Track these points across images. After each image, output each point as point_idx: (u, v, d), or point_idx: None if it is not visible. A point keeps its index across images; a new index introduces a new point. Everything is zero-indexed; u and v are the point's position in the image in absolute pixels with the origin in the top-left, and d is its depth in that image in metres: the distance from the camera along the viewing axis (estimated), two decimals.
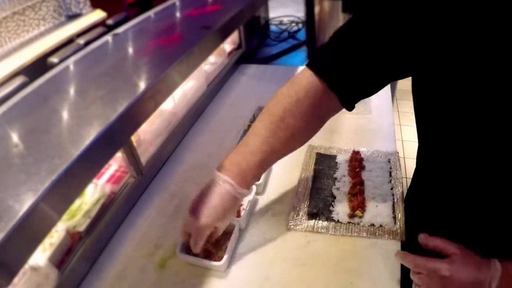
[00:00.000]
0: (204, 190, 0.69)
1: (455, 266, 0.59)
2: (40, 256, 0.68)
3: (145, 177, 0.97)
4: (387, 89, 1.32)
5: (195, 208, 0.67)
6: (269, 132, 0.64)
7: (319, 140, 1.09)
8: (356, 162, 0.96)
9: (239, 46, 1.61)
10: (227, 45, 1.56)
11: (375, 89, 0.63)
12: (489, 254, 0.61)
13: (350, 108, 0.64)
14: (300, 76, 0.65)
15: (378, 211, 0.83)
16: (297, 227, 0.82)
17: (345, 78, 0.61)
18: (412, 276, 0.64)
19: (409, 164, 2.49)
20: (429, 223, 0.80)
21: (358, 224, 0.82)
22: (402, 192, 0.89)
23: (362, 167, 0.95)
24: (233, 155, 0.68)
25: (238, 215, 0.85)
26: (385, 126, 1.13)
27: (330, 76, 0.61)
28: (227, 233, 0.81)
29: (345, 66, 0.60)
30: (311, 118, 0.65)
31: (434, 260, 0.61)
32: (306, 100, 0.63)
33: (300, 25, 1.99)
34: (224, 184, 0.66)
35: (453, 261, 0.60)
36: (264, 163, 0.66)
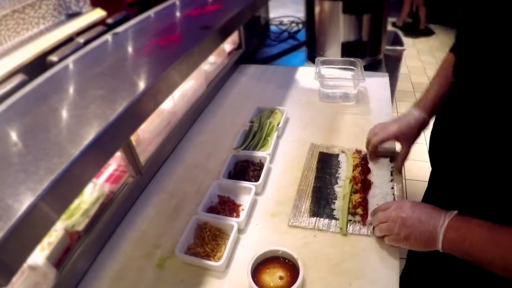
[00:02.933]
0: (396, 118, 0.98)
1: (413, 208, 0.73)
2: (39, 255, 0.67)
3: (144, 176, 0.97)
4: (387, 90, 1.33)
5: (386, 123, 0.96)
6: (441, 80, 0.92)
7: (320, 140, 1.09)
8: (359, 161, 0.96)
9: (239, 46, 1.61)
10: (227, 45, 1.56)
11: None
12: None
13: None
14: (447, 56, 0.92)
15: None
16: (299, 224, 0.82)
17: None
18: (379, 228, 0.77)
19: (408, 165, 2.49)
20: None
21: (359, 222, 0.82)
22: (403, 191, 0.89)
23: (364, 166, 0.95)
24: (418, 100, 0.96)
25: (237, 216, 0.85)
26: None
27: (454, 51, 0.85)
28: (226, 234, 0.81)
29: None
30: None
31: (394, 203, 0.78)
32: (450, 62, 0.83)
33: (300, 26, 1.99)
34: (413, 111, 0.93)
35: (409, 206, 0.74)
36: (438, 97, 0.91)
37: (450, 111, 0.78)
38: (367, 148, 0.98)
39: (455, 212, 0.69)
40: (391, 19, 4.51)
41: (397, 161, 0.96)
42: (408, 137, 0.92)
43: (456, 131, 0.74)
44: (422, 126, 0.92)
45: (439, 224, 0.68)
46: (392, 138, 0.93)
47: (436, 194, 0.95)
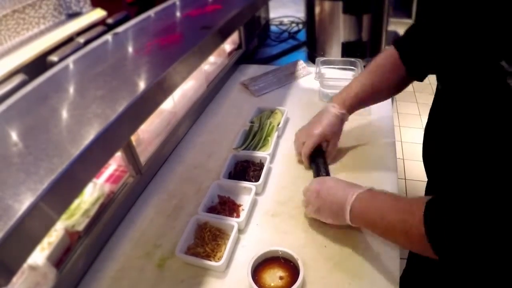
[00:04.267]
0: (314, 117, 0.99)
1: (330, 183, 0.79)
2: (39, 256, 0.68)
3: (144, 176, 0.97)
4: None
5: (308, 127, 0.98)
6: (365, 76, 0.94)
7: None
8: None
9: (239, 46, 1.61)
10: (227, 45, 1.56)
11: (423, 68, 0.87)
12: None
13: (415, 77, 0.91)
14: (388, 49, 0.93)
15: None
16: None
17: (411, 55, 0.87)
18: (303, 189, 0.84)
19: (409, 166, 2.49)
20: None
21: None
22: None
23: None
24: (338, 93, 0.98)
25: (238, 216, 0.85)
26: (385, 127, 1.13)
27: (402, 50, 0.89)
28: (226, 234, 0.81)
29: (412, 47, 0.86)
30: (393, 75, 0.91)
31: (317, 179, 0.85)
32: (390, 59, 0.90)
33: (301, 26, 1.99)
34: (330, 108, 0.95)
35: (329, 180, 0.81)
36: (359, 96, 0.94)
37: (439, 118, 0.78)
38: (302, 159, 0.98)
39: (368, 187, 0.72)
40: (401, 21, 4.49)
41: (330, 155, 0.99)
42: (333, 134, 0.96)
43: (447, 138, 0.74)
44: (342, 121, 0.97)
45: (349, 196, 0.71)
46: (320, 141, 0.95)
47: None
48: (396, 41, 0.91)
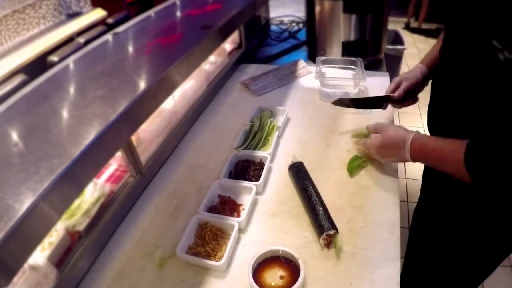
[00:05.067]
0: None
1: (383, 130, 0.92)
2: (39, 256, 0.68)
3: (145, 176, 0.97)
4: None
5: None
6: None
7: (320, 140, 1.09)
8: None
9: (239, 46, 1.61)
10: (228, 45, 1.56)
11: None
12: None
13: None
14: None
15: None
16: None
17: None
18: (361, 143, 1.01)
19: (410, 165, 2.49)
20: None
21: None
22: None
23: None
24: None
25: (238, 215, 0.85)
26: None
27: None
28: (227, 233, 0.81)
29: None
30: None
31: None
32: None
33: (301, 25, 1.99)
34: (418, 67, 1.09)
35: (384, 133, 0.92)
36: (429, 59, 1.08)
37: (440, 88, 0.87)
38: (392, 92, 1.10)
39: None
40: (399, 19, 4.48)
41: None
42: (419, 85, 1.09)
43: (449, 106, 0.84)
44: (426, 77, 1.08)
45: (408, 133, 0.84)
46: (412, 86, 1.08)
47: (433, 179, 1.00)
48: None
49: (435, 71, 0.95)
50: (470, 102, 0.76)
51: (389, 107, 1.18)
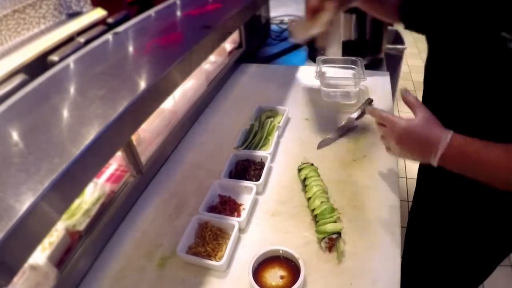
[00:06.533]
0: None
1: (412, 123, 0.70)
2: (40, 255, 0.68)
3: (145, 176, 0.97)
4: (387, 89, 1.32)
5: None
6: None
7: (320, 140, 1.09)
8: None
9: (239, 45, 1.61)
10: (228, 44, 1.56)
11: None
12: None
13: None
14: None
15: None
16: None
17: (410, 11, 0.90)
18: (377, 127, 0.79)
19: (410, 165, 2.49)
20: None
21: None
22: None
23: None
24: None
25: (238, 215, 0.85)
26: None
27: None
28: (227, 233, 0.81)
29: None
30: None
31: (396, 116, 0.75)
32: None
33: None
34: None
35: (413, 119, 0.71)
36: None
37: (433, 83, 0.83)
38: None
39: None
40: None
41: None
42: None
43: (443, 118, 0.76)
44: None
45: (444, 133, 0.67)
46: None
47: (428, 184, 0.98)
48: None
49: (426, 68, 0.86)
50: (471, 99, 0.71)
51: (389, 103, 1.18)
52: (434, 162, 0.68)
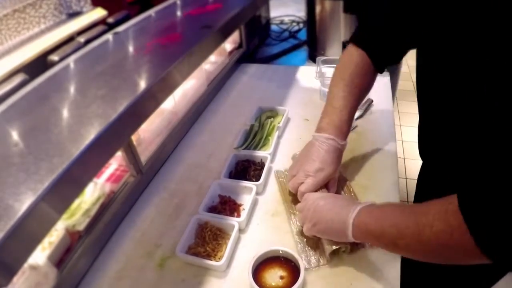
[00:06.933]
0: (305, 151, 0.85)
1: (327, 199, 0.73)
2: (39, 255, 0.68)
3: (145, 176, 0.97)
4: (387, 89, 1.32)
5: (300, 162, 0.83)
6: (346, 92, 0.83)
7: None
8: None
9: (239, 46, 1.61)
10: (228, 45, 1.56)
11: (397, 56, 0.88)
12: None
13: (381, 71, 0.90)
14: (350, 51, 0.87)
15: None
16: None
17: (377, 49, 0.84)
18: (298, 205, 0.78)
19: (410, 165, 2.49)
20: None
21: None
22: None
23: None
24: (325, 118, 0.85)
25: (238, 215, 0.85)
26: (385, 126, 1.13)
27: (368, 48, 0.85)
28: (227, 233, 0.81)
29: (376, 40, 0.83)
30: (368, 75, 0.86)
31: (314, 194, 0.77)
32: (360, 63, 0.84)
33: (301, 25, 1.99)
34: (328, 141, 0.81)
35: (327, 196, 0.75)
36: (350, 116, 0.84)
37: (431, 104, 0.80)
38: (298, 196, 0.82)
39: (369, 202, 0.67)
40: None
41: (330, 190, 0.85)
42: (335, 171, 0.83)
43: (440, 123, 0.77)
44: (342, 152, 0.85)
45: (350, 212, 0.66)
46: (324, 183, 0.81)
47: (428, 187, 0.96)
48: (359, 40, 0.86)
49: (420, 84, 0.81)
50: (470, 100, 0.68)
51: (389, 104, 1.18)
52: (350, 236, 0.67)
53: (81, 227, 0.77)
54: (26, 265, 0.64)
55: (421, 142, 0.90)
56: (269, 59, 1.70)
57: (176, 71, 0.91)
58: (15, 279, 0.61)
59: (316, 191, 0.79)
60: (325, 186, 0.82)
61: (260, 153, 1.02)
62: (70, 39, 2.65)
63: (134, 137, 0.92)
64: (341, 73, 0.86)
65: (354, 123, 1.11)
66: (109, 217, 0.83)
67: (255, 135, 1.10)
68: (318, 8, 1.49)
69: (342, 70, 0.86)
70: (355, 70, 0.84)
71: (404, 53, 0.87)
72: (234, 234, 0.78)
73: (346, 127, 0.83)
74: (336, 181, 0.86)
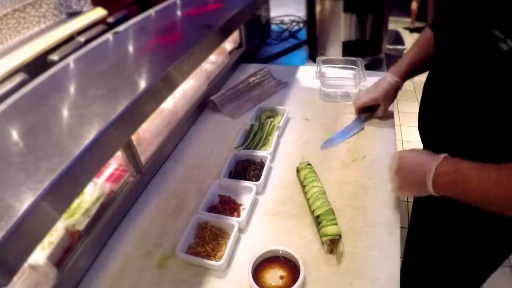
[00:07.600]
0: (374, 83, 1.13)
1: (413, 152, 0.78)
2: (39, 255, 0.68)
3: (145, 176, 0.97)
4: None
5: (367, 90, 1.16)
6: (415, 50, 1.04)
7: (320, 140, 1.09)
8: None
9: (239, 45, 1.61)
10: (228, 44, 1.56)
11: None
12: None
13: None
14: (427, 29, 1.00)
15: None
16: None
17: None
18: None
19: None
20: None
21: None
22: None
23: None
24: (396, 64, 1.08)
25: (238, 215, 0.85)
26: (385, 126, 1.13)
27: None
28: (227, 233, 0.81)
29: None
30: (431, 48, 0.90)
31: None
32: (430, 35, 0.93)
33: (301, 25, 1.99)
34: (385, 77, 1.09)
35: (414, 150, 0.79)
36: (411, 66, 1.04)
37: (434, 86, 0.84)
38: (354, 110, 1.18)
39: (443, 155, 0.70)
40: (400, 19, 4.45)
41: (376, 112, 1.14)
42: (386, 99, 1.11)
43: (441, 103, 0.80)
44: (397, 89, 1.09)
45: (428, 165, 0.69)
46: (372, 103, 1.12)
47: None
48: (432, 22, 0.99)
49: (429, 69, 0.88)
50: (468, 101, 0.71)
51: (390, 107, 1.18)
52: (430, 190, 0.70)
53: (81, 226, 0.77)
54: (26, 265, 0.64)
55: (422, 126, 0.92)
56: (269, 59, 1.70)
57: (176, 71, 0.91)
58: (15, 278, 0.61)
59: (363, 110, 1.15)
60: (375, 108, 1.13)
61: (260, 153, 1.02)
62: (70, 38, 2.65)
63: (134, 137, 0.92)
64: (419, 38, 1.04)
65: (361, 125, 1.12)
66: (109, 217, 0.83)
67: (255, 135, 1.10)
68: (318, 8, 1.49)
69: (417, 40, 1.05)
70: (426, 36, 0.98)
71: None
72: (234, 234, 0.78)
73: (404, 66, 1.05)
74: (384, 110, 1.12)
